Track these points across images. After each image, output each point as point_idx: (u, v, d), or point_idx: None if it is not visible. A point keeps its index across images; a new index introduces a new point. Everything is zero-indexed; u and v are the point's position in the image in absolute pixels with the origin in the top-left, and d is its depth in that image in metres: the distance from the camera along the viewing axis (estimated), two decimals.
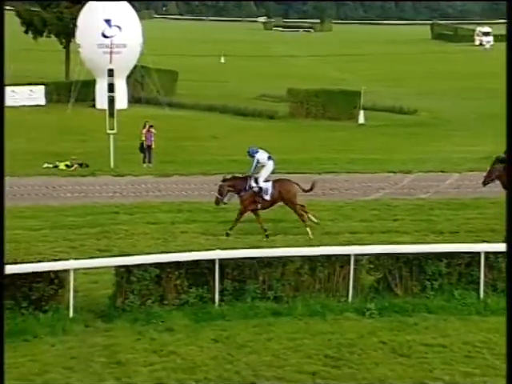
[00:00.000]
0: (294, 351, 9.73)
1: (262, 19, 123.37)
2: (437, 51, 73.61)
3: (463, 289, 11.26)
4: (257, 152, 14.99)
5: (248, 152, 15.14)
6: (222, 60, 60.53)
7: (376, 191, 18.79)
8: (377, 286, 11.46)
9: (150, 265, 10.75)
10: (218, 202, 15.01)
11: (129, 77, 34.56)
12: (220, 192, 14.88)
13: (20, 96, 34.59)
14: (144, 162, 21.89)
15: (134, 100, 35.07)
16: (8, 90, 34.43)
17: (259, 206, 14.86)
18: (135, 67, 34.77)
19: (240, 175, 15.27)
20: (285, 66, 58.35)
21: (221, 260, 10.93)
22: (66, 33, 37.69)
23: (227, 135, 27.84)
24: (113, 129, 21.06)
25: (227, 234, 14.69)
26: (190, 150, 24.74)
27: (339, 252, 11.40)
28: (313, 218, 14.98)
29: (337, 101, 33.00)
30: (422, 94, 39.52)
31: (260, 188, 14.77)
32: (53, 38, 39.29)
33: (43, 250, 13.40)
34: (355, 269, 11.24)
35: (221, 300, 10.97)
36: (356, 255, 11.25)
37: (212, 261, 10.93)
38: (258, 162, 14.84)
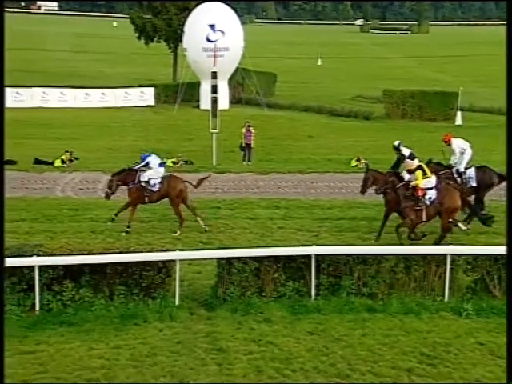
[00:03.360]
0: (389, 347, 9.76)
1: (359, 22, 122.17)
2: None
3: None
4: (149, 155, 15.40)
5: (140, 157, 15.53)
6: (319, 62, 60.62)
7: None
8: (474, 286, 11.35)
9: (250, 258, 11.02)
10: (108, 196, 15.32)
11: (230, 79, 35.42)
12: (109, 186, 15.22)
13: (132, 97, 36.34)
14: (244, 160, 22.42)
15: (235, 101, 35.89)
16: (121, 91, 36.44)
17: (146, 199, 15.16)
18: (236, 69, 35.59)
19: (129, 169, 15.58)
20: (381, 68, 57.63)
21: (317, 255, 11.08)
22: (174, 38, 39.23)
23: (323, 135, 28.03)
24: (215, 128, 21.71)
25: (112, 220, 15.01)
26: (288, 148, 25.08)
27: (435, 251, 11.39)
28: (200, 222, 15.16)
29: (433, 102, 32.54)
30: None
31: (147, 182, 15.07)
32: (162, 42, 41.04)
33: (152, 240, 14.10)
34: (451, 269, 11.17)
35: (317, 294, 11.13)
36: (452, 255, 11.19)
37: (308, 256, 11.11)
38: (147, 164, 15.20)
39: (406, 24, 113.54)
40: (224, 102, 31.34)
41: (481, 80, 47.57)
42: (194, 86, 34.96)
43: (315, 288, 11.17)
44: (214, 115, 21.73)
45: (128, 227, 14.97)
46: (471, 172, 15.60)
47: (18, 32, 77.13)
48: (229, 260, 11.07)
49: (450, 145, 16.05)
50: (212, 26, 33.53)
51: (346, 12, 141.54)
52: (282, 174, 20.74)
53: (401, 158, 15.17)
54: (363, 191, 14.66)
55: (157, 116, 33.24)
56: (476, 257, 11.33)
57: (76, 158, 22.20)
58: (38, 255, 10.60)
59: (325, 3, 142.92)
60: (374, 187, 14.48)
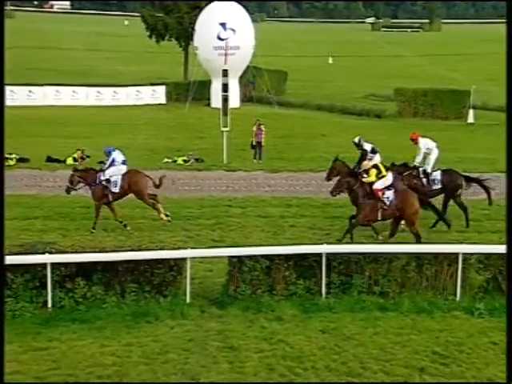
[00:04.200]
0: (400, 346, 9.75)
1: (370, 20, 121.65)
2: None
3: None
4: (113, 151, 15.23)
5: (105, 151, 15.40)
6: (330, 60, 60.47)
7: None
8: (486, 285, 11.31)
9: (261, 256, 11.05)
10: (68, 190, 15.29)
11: (241, 77, 35.45)
12: (71, 181, 15.18)
13: (144, 95, 36.46)
14: (255, 158, 22.42)
15: (245, 99, 35.89)
16: (133, 89, 36.60)
17: (110, 197, 15.02)
18: (247, 68, 35.61)
19: (91, 168, 15.51)
20: (393, 66, 57.38)
21: (328, 254, 11.09)
22: (186, 36, 39.33)
23: (335, 133, 27.93)
24: (226, 126, 21.75)
25: (92, 232, 14.71)
26: (299, 147, 25.03)
27: (447, 250, 11.34)
28: (161, 209, 15.16)
29: (445, 100, 32.42)
30: None
31: (108, 181, 14.93)
32: (173, 41, 41.15)
33: (164, 238, 14.16)
34: (463, 268, 11.14)
35: (328, 293, 11.15)
36: (464, 254, 11.15)
37: (319, 254, 11.11)
38: (113, 160, 15.04)
39: (418, 22, 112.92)
40: (235, 101, 31.36)
41: (493, 78, 47.22)
42: (205, 85, 35.01)
43: (326, 286, 11.17)
44: (225, 113, 21.76)
45: (125, 225, 14.97)
46: (437, 175, 15.67)
47: (31, 31, 77.64)
48: (240, 258, 11.09)
49: (417, 143, 16.11)
50: (223, 25, 33.56)
51: (358, 10, 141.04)
52: (293, 172, 20.73)
53: (363, 154, 15.44)
54: (327, 179, 15.23)
55: (168, 114, 33.32)
56: (488, 256, 11.27)
57: (88, 156, 22.30)
58: (51, 253, 10.67)
59: (336, 2, 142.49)
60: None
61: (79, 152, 22.30)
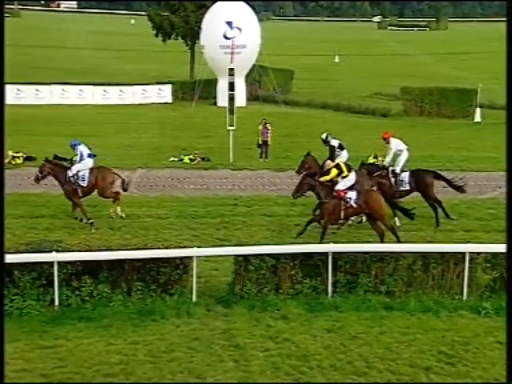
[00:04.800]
0: (406, 345, 9.74)
1: (376, 19, 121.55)
2: None
3: None
4: (79, 144, 15.22)
5: (70, 144, 15.38)
6: (337, 59, 60.46)
7: (493, 190, 18.35)
8: (493, 285, 11.28)
9: (267, 255, 11.04)
10: (37, 179, 15.28)
11: (247, 76, 35.46)
12: (41, 171, 15.20)
13: (150, 94, 36.50)
14: (261, 157, 22.42)
15: (252, 98, 35.90)
16: (139, 88, 36.63)
17: (80, 192, 15.04)
18: (253, 66, 35.60)
19: (62, 165, 15.44)
20: (399, 65, 57.30)
21: (334, 253, 11.08)
22: (192, 35, 39.36)
23: (341, 132, 27.64)
24: (232, 125, 21.77)
25: (91, 224, 14.82)
26: (305, 145, 24.77)
27: (453, 249, 11.31)
28: (118, 211, 15.21)
29: (451, 99, 32.31)
30: None
31: (76, 176, 14.93)
32: (179, 40, 41.19)
33: (169, 237, 14.09)
34: (470, 267, 11.11)
35: (333, 291, 11.15)
36: (471, 253, 11.13)
37: (325, 253, 11.11)
38: (81, 153, 15.05)
39: (425, 20, 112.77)
40: (241, 99, 31.35)
41: (500, 77, 47.12)
42: (211, 83, 35.03)
43: (332, 285, 11.17)
44: (231, 112, 21.78)
45: (87, 219, 14.98)
46: (405, 176, 15.69)
47: (38, 30, 77.94)
48: (246, 257, 11.09)
49: (388, 143, 16.12)
50: (229, 24, 33.57)
51: (364, 9, 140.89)
52: None
53: (332, 150, 15.69)
54: (297, 172, 15.50)
55: (174, 113, 33.35)
56: (495, 255, 11.24)
57: (94, 155, 22.31)
58: (57, 251, 10.70)
59: (342, 1, 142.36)
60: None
61: None
